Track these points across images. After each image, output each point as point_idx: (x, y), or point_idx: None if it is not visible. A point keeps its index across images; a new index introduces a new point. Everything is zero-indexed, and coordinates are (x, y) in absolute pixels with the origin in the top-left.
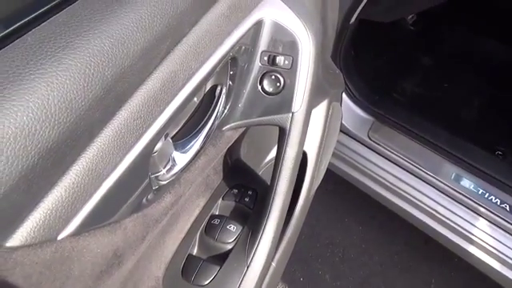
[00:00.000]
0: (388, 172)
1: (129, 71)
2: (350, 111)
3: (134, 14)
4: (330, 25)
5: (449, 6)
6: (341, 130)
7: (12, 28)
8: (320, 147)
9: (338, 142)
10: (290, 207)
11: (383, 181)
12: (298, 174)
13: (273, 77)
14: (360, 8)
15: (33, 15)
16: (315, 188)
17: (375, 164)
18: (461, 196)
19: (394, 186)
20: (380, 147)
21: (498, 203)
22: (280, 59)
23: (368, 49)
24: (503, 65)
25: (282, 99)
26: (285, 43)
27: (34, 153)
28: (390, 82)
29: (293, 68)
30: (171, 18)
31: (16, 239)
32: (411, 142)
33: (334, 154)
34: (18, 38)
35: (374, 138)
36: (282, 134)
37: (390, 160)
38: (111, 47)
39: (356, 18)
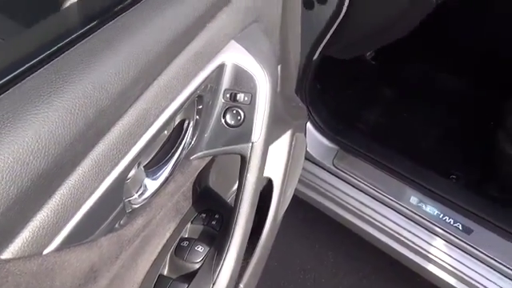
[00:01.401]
0: (353, 198)
1: (107, 110)
2: (316, 141)
3: (112, 61)
4: (291, 63)
5: (406, 41)
6: (308, 159)
7: (14, 74)
8: (285, 174)
9: (305, 170)
10: (257, 231)
11: (349, 206)
12: (264, 200)
13: (234, 111)
14: (322, 46)
15: (31, 62)
16: (282, 213)
17: (340, 190)
18: (420, 218)
19: (359, 211)
20: (344, 174)
21: (452, 223)
22: (240, 96)
23: (333, 82)
24: (456, 96)
25: (242, 131)
26: (244, 82)
27: (27, 179)
28: (353, 113)
29: (252, 103)
30: (144, 64)
31: (9, 252)
32: (374, 169)
33: (302, 182)
34: (20, 82)
35: (339, 166)
36: (243, 162)
37: (354, 186)
38: (93, 90)
39: (319, 55)
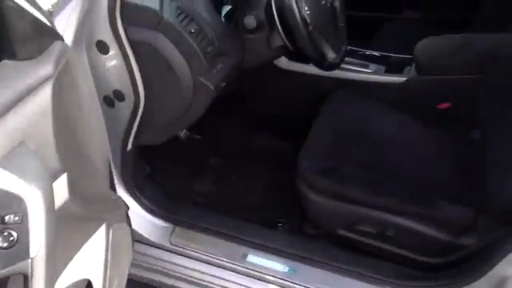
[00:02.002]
0: (193, 269)
1: None
2: (150, 223)
3: None
4: (94, 161)
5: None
6: (144, 242)
7: None
8: (105, 270)
9: (143, 254)
10: None
11: (190, 278)
12: None
13: (5, 233)
14: (132, 138)
15: None
16: None
17: (182, 266)
18: (254, 272)
19: (200, 280)
20: (183, 250)
21: (281, 269)
22: (10, 217)
23: (162, 163)
24: (275, 153)
25: (18, 250)
26: (12, 204)
27: None
28: (186, 187)
29: (24, 222)
30: None
31: None
32: (210, 238)
33: (142, 266)
34: None
35: (177, 243)
36: (25, 280)
37: (194, 259)
38: None
39: (133, 146)
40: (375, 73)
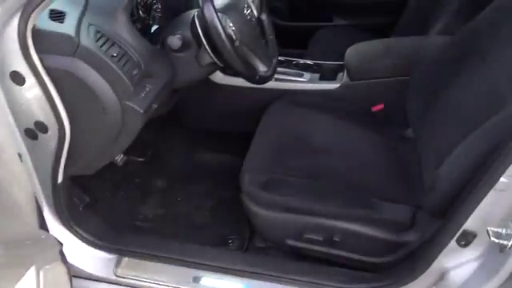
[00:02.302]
0: None
1: None
2: (93, 256)
3: None
4: (13, 202)
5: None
6: (86, 278)
7: None
8: None
9: None
10: None
11: None
12: None
13: None
14: (61, 169)
15: None
16: None
17: None
18: None
19: None
20: (129, 280)
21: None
22: None
23: (102, 191)
24: (220, 169)
25: None
26: None
27: None
28: (129, 214)
29: None
30: None
31: None
32: (155, 265)
33: None
34: None
35: (121, 274)
36: None
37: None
38: None
39: (64, 177)
40: (310, 81)
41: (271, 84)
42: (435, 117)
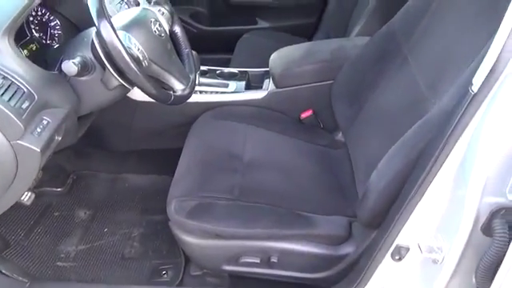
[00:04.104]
0: None
1: None
2: None
3: None
4: None
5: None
6: None
7: None
8: None
9: None
10: None
11: None
12: None
13: None
14: None
15: None
16: None
17: None
18: None
19: None
20: None
21: None
22: None
23: (15, 232)
24: (150, 191)
25: None
26: None
27: None
28: (50, 253)
29: None
30: None
31: None
32: None
33: None
34: None
35: None
36: None
37: None
38: None
39: None
40: (236, 91)
41: (195, 97)
42: (362, 121)
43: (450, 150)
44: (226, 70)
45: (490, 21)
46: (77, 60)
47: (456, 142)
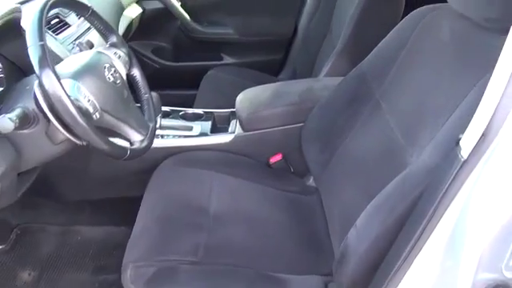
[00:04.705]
0: None
1: None
2: None
3: None
4: None
5: None
6: None
7: None
8: None
9: None
10: None
11: None
12: None
13: None
14: None
15: None
16: None
17: None
18: None
19: None
20: None
21: None
22: None
23: None
24: (105, 245)
25: None
26: None
27: None
28: None
29: None
30: None
31: None
32: None
33: None
34: None
35: None
36: None
37: None
38: None
39: None
40: (200, 135)
41: (157, 142)
42: (335, 167)
43: (439, 219)
44: (191, 110)
45: (468, 69)
46: (14, 114)
47: (446, 210)
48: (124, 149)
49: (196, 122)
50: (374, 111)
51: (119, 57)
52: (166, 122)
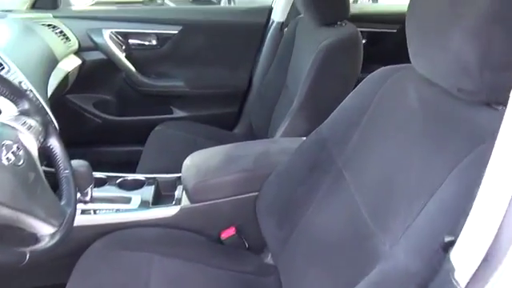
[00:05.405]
0: None
1: None
2: None
3: None
4: None
5: None
6: None
7: None
8: None
9: None
10: None
11: None
12: None
13: None
14: None
15: None
16: None
17: None
18: None
19: None
20: None
21: None
22: None
23: None
24: None
25: None
26: None
27: None
28: None
29: None
30: None
31: None
32: None
33: None
34: None
35: None
36: None
37: None
38: None
39: None
40: (140, 208)
41: (85, 219)
42: (295, 246)
43: None
44: (131, 176)
45: (441, 150)
46: None
47: None
48: (21, 254)
49: (135, 192)
50: (337, 181)
51: (29, 127)
52: (100, 193)
